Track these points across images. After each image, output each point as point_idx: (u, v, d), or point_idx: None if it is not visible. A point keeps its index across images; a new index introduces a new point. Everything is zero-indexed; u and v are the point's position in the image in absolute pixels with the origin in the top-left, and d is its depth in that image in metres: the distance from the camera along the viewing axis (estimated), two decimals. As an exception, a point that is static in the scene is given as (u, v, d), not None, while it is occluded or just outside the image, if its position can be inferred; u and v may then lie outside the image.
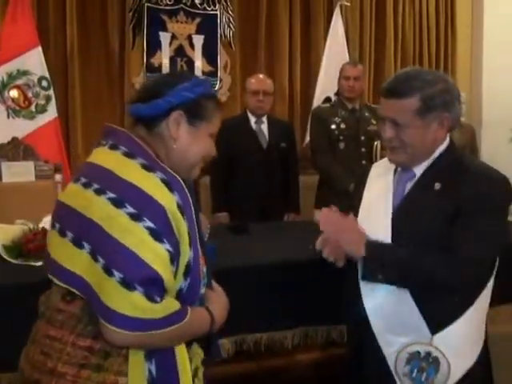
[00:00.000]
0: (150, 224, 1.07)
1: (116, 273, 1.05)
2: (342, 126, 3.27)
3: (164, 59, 4.41)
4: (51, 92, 3.79)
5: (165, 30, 4.42)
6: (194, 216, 1.17)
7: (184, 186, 1.16)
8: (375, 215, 1.50)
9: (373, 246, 1.42)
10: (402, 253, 1.41)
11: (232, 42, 4.58)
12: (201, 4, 4.48)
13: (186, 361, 1.17)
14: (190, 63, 4.48)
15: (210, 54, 4.52)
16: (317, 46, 4.75)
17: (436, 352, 1.42)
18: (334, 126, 3.29)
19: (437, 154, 1.47)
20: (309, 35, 4.78)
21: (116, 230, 1.07)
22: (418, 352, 1.43)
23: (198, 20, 4.50)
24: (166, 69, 4.40)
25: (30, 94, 3.73)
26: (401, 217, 1.46)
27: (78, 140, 4.16)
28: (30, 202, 3.22)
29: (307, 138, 4.25)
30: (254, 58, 4.63)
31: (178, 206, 1.11)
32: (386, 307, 1.44)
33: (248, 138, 3.34)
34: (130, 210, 1.08)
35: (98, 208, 1.10)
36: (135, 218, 1.07)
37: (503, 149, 4.71)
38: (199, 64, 4.50)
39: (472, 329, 1.45)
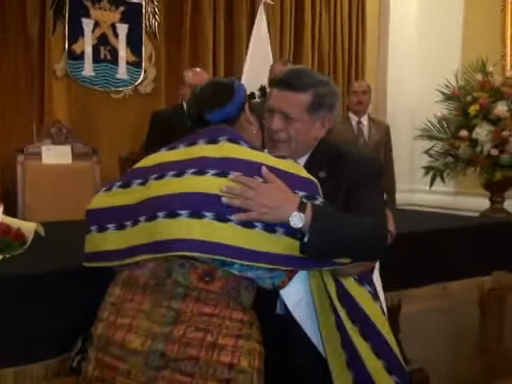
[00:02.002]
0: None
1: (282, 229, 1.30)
2: None
3: (87, 47, 4.29)
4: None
5: (88, 16, 4.29)
6: None
7: None
8: None
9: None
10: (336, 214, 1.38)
11: (157, 33, 4.56)
12: (125, -8, 4.41)
13: None
14: (114, 52, 4.40)
15: (134, 44, 4.47)
16: (240, 41, 4.86)
17: None
18: (265, 122, 3.43)
19: (313, 148, 1.57)
20: (232, 31, 4.88)
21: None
22: None
23: (122, 8, 4.42)
24: (88, 57, 4.29)
25: None
26: None
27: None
28: (67, 183, 3.64)
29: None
30: (179, 51, 4.65)
31: None
32: (306, 298, 1.46)
33: (184, 130, 3.38)
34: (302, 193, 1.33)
35: None
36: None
37: (407, 146, 5.17)
38: (123, 54, 4.43)
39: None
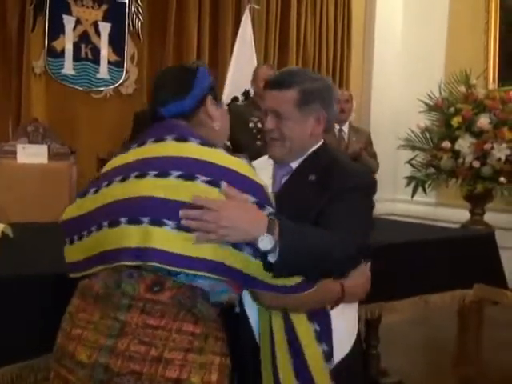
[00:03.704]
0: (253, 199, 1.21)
1: (246, 247, 1.17)
2: (259, 125, 3.37)
3: (67, 44, 4.21)
4: None
5: (69, 13, 4.21)
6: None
7: None
8: None
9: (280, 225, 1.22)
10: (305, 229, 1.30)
11: (140, 34, 4.49)
12: (108, -10, 4.34)
13: None
14: (95, 51, 4.32)
15: (116, 44, 4.39)
16: (224, 44, 4.81)
17: None
18: (251, 125, 3.39)
19: (310, 150, 1.54)
20: (217, 33, 4.83)
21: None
22: None
23: (105, 7, 4.35)
24: (69, 54, 4.21)
25: None
26: (280, 209, 1.42)
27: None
28: (43, 183, 3.47)
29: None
30: (162, 51, 4.58)
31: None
32: None
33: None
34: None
35: (199, 192, 1.16)
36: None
37: (390, 156, 5.16)
38: (105, 53, 4.35)
39: (340, 322, 1.44)
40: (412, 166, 4.42)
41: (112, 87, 4.40)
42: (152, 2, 4.55)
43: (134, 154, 1.28)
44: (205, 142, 1.26)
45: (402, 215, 4.93)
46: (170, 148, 1.24)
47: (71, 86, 4.24)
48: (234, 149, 3.46)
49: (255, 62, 4.56)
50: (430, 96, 4.36)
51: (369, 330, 2.62)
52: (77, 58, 4.25)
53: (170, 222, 1.15)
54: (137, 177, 1.21)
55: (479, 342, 3.85)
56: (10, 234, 1.94)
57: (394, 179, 5.33)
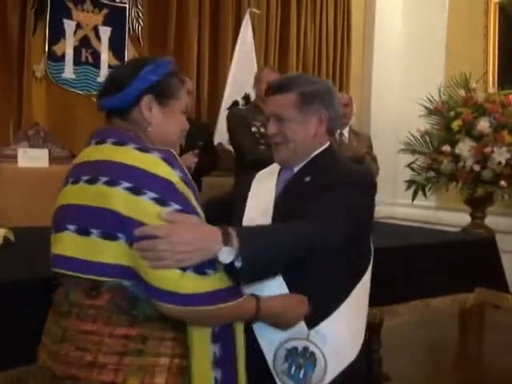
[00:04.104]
0: (176, 206, 1.13)
1: None
2: (262, 129, 3.37)
3: (68, 48, 4.21)
4: None
5: (69, 17, 4.22)
6: (197, 193, 1.22)
7: (181, 163, 1.20)
8: (259, 216, 1.50)
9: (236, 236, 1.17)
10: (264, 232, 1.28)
11: (140, 38, 4.50)
12: (109, -6, 4.35)
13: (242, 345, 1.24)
14: (96, 55, 4.33)
15: (117, 48, 4.40)
16: (225, 48, 4.82)
17: (312, 347, 1.38)
18: (254, 129, 3.39)
19: (314, 153, 1.54)
20: (217, 37, 4.84)
21: (150, 218, 1.11)
22: (296, 348, 1.39)
23: (105, 11, 4.36)
24: (69, 58, 4.22)
25: None
26: (279, 213, 1.47)
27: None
28: (44, 187, 3.24)
29: (216, 140, 4.33)
30: (162, 56, 4.57)
31: (183, 181, 1.17)
32: None
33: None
34: (152, 195, 1.12)
35: (120, 200, 1.12)
36: (160, 202, 1.12)
37: (390, 159, 5.16)
38: (105, 57, 4.36)
39: (347, 324, 1.43)
40: (412, 169, 4.42)
41: (112, 91, 4.40)
42: (152, 6, 4.57)
43: (81, 157, 1.27)
44: (140, 148, 1.18)
45: (402, 219, 4.93)
46: (104, 151, 1.21)
47: (72, 89, 4.24)
48: (237, 152, 3.46)
49: (255, 66, 4.57)
50: (429, 100, 4.37)
51: (371, 334, 2.62)
52: (77, 62, 4.26)
53: (71, 227, 1.17)
54: (72, 182, 1.23)
55: (480, 345, 3.85)
56: (11, 238, 1.94)
57: (393, 183, 5.33)
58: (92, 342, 1.15)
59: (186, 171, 1.21)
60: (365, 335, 1.52)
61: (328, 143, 1.59)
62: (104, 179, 1.14)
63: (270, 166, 1.67)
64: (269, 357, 1.40)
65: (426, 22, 5.48)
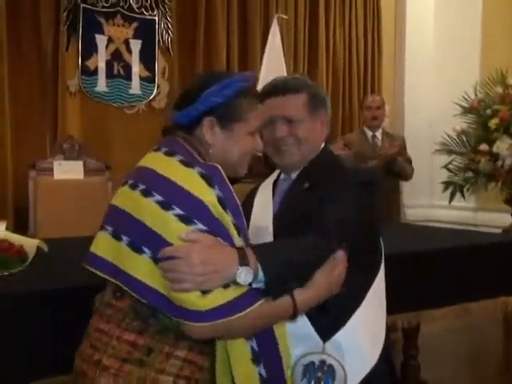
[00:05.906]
0: (200, 226, 1.09)
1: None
2: None
3: (100, 62, 4.30)
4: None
5: (101, 32, 4.31)
6: (240, 208, 1.17)
7: (225, 178, 1.15)
8: (260, 230, 1.44)
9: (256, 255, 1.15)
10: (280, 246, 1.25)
11: (170, 48, 4.55)
12: (138, 8, 4.42)
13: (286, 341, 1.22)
14: (127, 68, 4.40)
15: (147, 60, 4.46)
16: (253, 56, 4.83)
17: (330, 359, 1.34)
18: None
19: (311, 157, 1.49)
20: (246, 45, 4.86)
21: (172, 235, 1.08)
22: (313, 362, 1.34)
23: (135, 24, 4.43)
24: (102, 72, 4.30)
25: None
26: (280, 223, 1.43)
27: (6, 143, 3.94)
28: (79, 199, 3.61)
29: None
30: (192, 65, 4.63)
31: (219, 200, 1.12)
32: None
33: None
34: (178, 211, 1.09)
35: (148, 211, 1.11)
36: (185, 220, 1.08)
37: (426, 161, 5.05)
38: (136, 69, 4.43)
39: (365, 329, 1.39)
40: (449, 170, 4.31)
41: (144, 102, 4.47)
42: (181, 17, 4.61)
43: (143, 159, 1.25)
44: (184, 161, 1.15)
45: (440, 221, 4.80)
46: (155, 161, 1.19)
47: (105, 102, 4.33)
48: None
49: (285, 71, 4.54)
50: (465, 98, 4.26)
51: (407, 339, 2.55)
52: (109, 75, 4.34)
53: (109, 228, 1.17)
54: (130, 186, 1.19)
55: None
56: (45, 249, 1.98)
57: (430, 184, 5.21)
58: (102, 342, 1.16)
59: (231, 188, 1.15)
60: (386, 335, 1.46)
61: (322, 146, 1.53)
62: (141, 187, 1.14)
63: (269, 178, 1.61)
64: (286, 374, 1.35)
65: (460, 18, 5.36)
